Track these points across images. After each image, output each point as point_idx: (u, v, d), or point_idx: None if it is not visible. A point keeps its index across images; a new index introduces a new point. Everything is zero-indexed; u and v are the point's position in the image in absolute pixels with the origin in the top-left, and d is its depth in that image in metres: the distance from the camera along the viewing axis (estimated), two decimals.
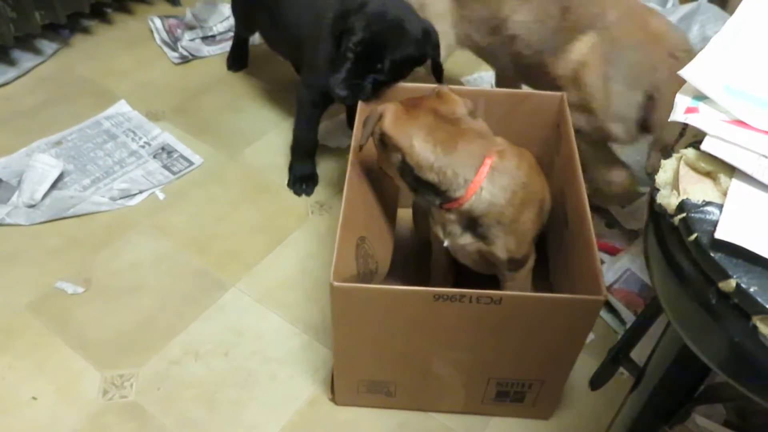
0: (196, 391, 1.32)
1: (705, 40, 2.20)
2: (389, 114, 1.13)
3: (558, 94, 1.45)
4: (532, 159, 1.25)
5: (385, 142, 1.15)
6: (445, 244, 1.24)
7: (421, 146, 1.12)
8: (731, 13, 2.11)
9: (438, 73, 1.55)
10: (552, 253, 1.42)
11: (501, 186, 1.14)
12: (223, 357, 1.38)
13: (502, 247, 1.19)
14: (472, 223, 1.18)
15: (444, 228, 1.21)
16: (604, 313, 1.49)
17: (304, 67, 1.76)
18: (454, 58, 2.25)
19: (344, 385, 1.27)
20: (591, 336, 1.42)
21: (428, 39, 1.47)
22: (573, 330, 1.10)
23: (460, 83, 2.16)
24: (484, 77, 2.21)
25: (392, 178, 1.23)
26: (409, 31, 1.43)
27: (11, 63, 2.06)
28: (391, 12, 1.45)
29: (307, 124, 1.74)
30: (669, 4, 2.33)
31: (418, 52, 1.45)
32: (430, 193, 1.15)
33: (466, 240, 1.21)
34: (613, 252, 1.61)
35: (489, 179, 1.13)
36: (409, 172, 1.15)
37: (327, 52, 1.52)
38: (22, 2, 1.94)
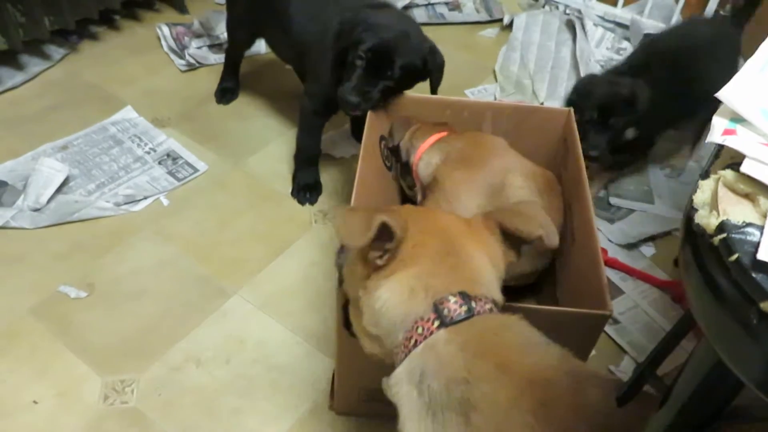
0: (196, 398, 1.32)
1: None
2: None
3: (565, 109, 1.45)
4: (495, 143, 1.40)
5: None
6: None
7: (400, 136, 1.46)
8: None
9: (433, 91, 1.58)
10: (558, 267, 1.43)
11: (436, 151, 1.39)
12: (224, 364, 1.38)
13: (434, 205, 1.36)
14: (427, 193, 1.38)
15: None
16: (609, 329, 1.49)
17: (308, 76, 1.77)
18: (458, 69, 2.27)
19: (345, 391, 1.27)
20: (593, 352, 1.41)
21: (433, 55, 1.50)
22: (577, 344, 1.09)
23: (464, 95, 2.18)
24: (488, 89, 2.22)
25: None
26: (414, 42, 1.48)
27: (19, 67, 2.07)
28: (397, 23, 1.49)
29: (310, 133, 1.75)
30: (673, 21, 2.35)
31: (423, 64, 1.48)
32: (407, 174, 1.47)
33: None
34: (628, 272, 1.60)
35: (429, 149, 1.40)
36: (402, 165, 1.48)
37: (331, 63, 1.54)
38: (32, 8, 1.96)
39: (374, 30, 1.44)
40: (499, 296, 0.84)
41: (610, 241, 1.70)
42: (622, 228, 1.75)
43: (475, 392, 0.72)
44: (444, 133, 1.42)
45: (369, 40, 1.42)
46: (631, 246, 1.69)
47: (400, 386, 0.80)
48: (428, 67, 1.50)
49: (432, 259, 0.82)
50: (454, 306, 0.78)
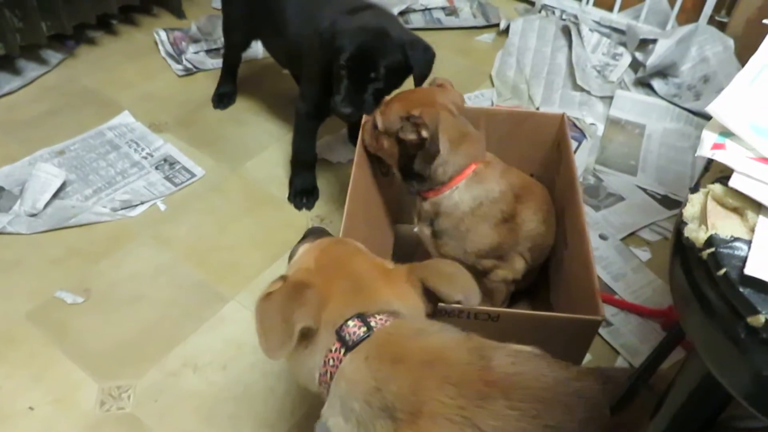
0: (193, 404, 1.32)
1: (703, 61, 2.23)
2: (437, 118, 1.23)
3: (558, 114, 1.46)
4: (519, 180, 1.30)
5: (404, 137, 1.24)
6: (415, 229, 1.35)
7: (443, 143, 1.22)
8: (730, 34, 2.15)
9: (417, 86, 1.53)
10: (551, 272, 1.43)
11: (467, 194, 1.24)
12: (221, 370, 1.38)
13: (449, 250, 1.29)
14: (436, 216, 1.28)
15: (419, 215, 1.34)
16: (603, 332, 1.49)
17: (302, 79, 1.77)
18: (455, 74, 2.28)
19: None
20: (588, 356, 1.42)
21: (414, 48, 1.48)
22: (571, 349, 1.10)
23: None
24: (485, 94, 2.23)
25: (388, 166, 1.35)
26: (394, 37, 1.45)
27: (16, 72, 2.07)
28: (373, 23, 1.47)
29: (305, 137, 1.75)
30: (668, 26, 2.36)
31: (406, 58, 1.47)
32: (417, 180, 1.27)
33: (427, 231, 1.32)
34: (620, 306, 1.56)
35: (467, 182, 1.24)
36: (407, 159, 1.26)
37: (318, 72, 1.54)
38: (29, 13, 1.96)
39: (351, 36, 1.43)
40: (400, 308, 0.87)
41: (600, 237, 1.72)
42: (606, 216, 1.80)
43: (388, 395, 0.77)
44: (479, 164, 1.25)
45: (347, 48, 1.42)
46: (620, 248, 1.70)
47: (329, 422, 0.83)
48: (410, 60, 1.47)
49: (335, 298, 0.85)
50: (353, 329, 0.82)
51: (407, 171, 1.28)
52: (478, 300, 0.92)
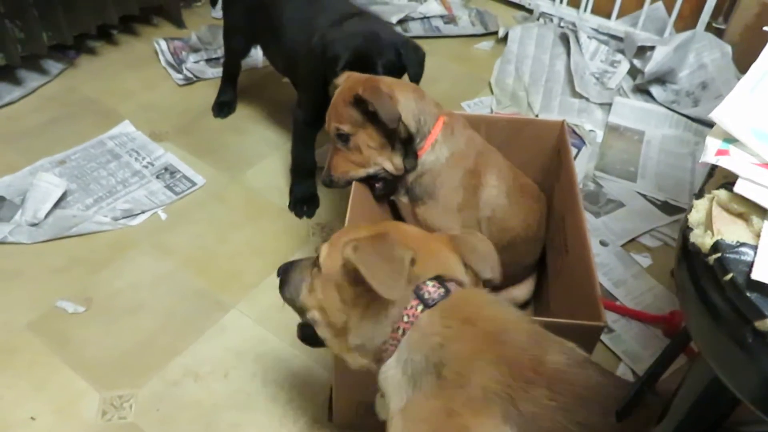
0: (195, 413, 1.32)
1: (701, 67, 2.24)
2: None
3: (558, 120, 1.47)
4: (482, 140, 1.35)
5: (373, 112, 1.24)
6: (392, 198, 1.37)
7: (407, 99, 1.25)
8: (727, 41, 2.16)
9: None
10: (552, 278, 1.43)
11: (443, 146, 1.27)
12: (222, 379, 1.38)
13: (425, 210, 1.31)
14: (420, 177, 1.30)
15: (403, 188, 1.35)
16: (604, 338, 1.49)
17: (299, 86, 1.78)
18: (454, 82, 2.29)
19: (343, 406, 1.27)
20: None
21: (407, 47, 1.50)
22: None
23: (461, 108, 2.19)
24: (484, 101, 2.24)
25: (366, 159, 1.31)
26: (385, 39, 1.47)
27: (17, 82, 2.08)
28: (362, 27, 1.49)
29: (304, 144, 1.75)
30: (666, 33, 2.37)
31: (400, 57, 1.48)
32: (410, 147, 1.27)
33: (404, 199, 1.34)
34: (621, 312, 1.56)
35: (443, 134, 1.27)
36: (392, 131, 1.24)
37: (313, 82, 1.55)
38: (30, 23, 1.97)
39: (344, 43, 1.44)
40: (467, 281, 0.92)
41: (601, 244, 1.72)
42: (607, 222, 1.81)
43: (447, 353, 0.80)
44: (444, 117, 1.30)
45: (343, 55, 1.43)
46: (620, 253, 1.71)
47: (389, 372, 0.85)
48: (403, 60, 1.48)
49: None
50: (432, 289, 0.85)
51: (404, 143, 1.27)
52: (499, 279, 0.96)
